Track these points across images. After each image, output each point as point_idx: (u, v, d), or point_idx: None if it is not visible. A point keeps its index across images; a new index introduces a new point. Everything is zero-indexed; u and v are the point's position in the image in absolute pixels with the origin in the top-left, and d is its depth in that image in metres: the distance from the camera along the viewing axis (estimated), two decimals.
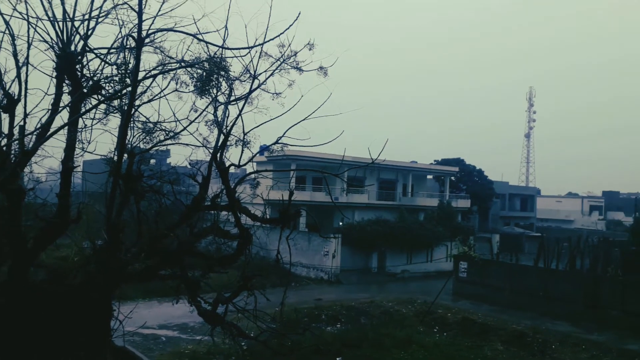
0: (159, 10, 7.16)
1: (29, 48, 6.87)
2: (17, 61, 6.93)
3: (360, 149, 8.84)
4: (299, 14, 7.53)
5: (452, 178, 60.87)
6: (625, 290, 25.99)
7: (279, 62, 8.52)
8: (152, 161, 10.67)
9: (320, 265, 37.76)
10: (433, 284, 33.24)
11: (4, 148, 6.92)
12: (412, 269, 42.06)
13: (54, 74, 7.15)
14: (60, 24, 6.90)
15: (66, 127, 7.00)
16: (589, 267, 29.99)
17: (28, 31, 6.86)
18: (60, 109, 7.12)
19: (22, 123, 6.85)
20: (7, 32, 6.89)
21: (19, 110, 6.94)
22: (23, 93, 6.94)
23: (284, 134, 8.62)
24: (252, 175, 10.07)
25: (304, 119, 8.47)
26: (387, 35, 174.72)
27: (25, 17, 6.76)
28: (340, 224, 42.59)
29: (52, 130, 7.10)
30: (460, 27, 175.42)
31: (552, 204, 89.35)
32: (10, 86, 7.08)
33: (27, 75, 6.97)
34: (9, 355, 7.13)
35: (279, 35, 7.80)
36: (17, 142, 6.79)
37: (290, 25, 7.69)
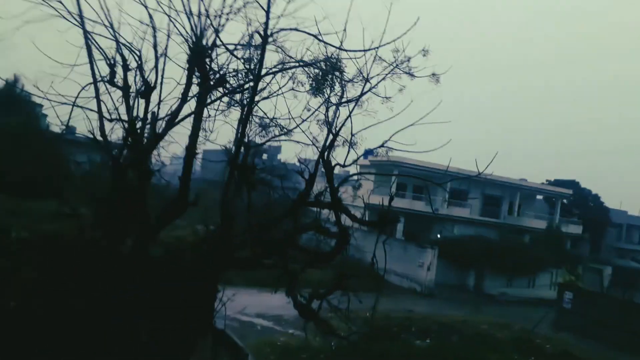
0: (284, 10, 7.58)
1: (167, 40, 7.55)
2: (156, 52, 7.64)
3: (467, 161, 8.69)
4: (417, 19, 7.60)
5: (564, 201, 57.30)
6: None
7: (391, 67, 8.63)
8: (265, 156, 11.21)
9: (414, 276, 37.19)
10: (533, 311, 31.48)
11: (139, 131, 7.66)
12: (512, 293, 40.15)
13: (187, 65, 7.79)
14: (196, 18, 7.52)
15: (192, 116, 7.60)
16: None
17: (168, 24, 7.52)
18: (189, 98, 7.75)
19: (155, 109, 7.56)
20: (150, 24, 7.61)
21: (154, 97, 7.66)
22: (159, 81, 7.64)
23: (390, 138, 8.70)
24: (355, 177, 10.25)
25: (411, 125, 8.49)
26: (520, 47, 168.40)
27: (167, 11, 7.40)
28: (439, 236, 41.70)
29: (180, 117, 7.77)
30: (606, 47, 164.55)
31: None
32: (149, 75, 7.80)
33: (164, 65, 7.68)
34: (130, 320, 7.81)
35: (394, 40, 7.92)
36: (149, 126, 7.48)
37: (407, 31, 7.79)
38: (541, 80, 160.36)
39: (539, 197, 57.86)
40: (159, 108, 7.66)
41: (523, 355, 22.95)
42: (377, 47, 8.09)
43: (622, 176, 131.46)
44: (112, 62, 7.76)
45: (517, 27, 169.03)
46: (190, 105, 7.91)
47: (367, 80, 8.63)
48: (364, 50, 8.11)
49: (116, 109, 7.78)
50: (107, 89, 7.84)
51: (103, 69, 7.84)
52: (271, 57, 8.27)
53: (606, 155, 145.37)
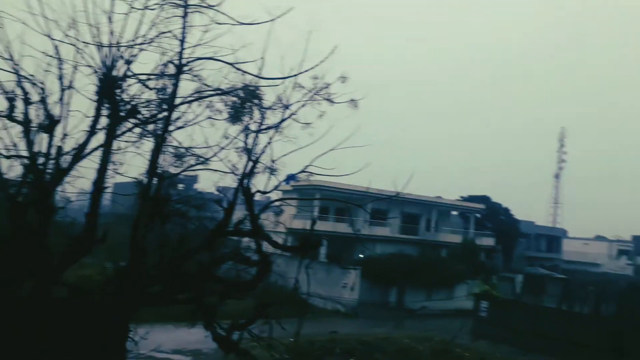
0: (200, 39, 7.41)
1: (74, 71, 7.13)
2: (61, 84, 7.19)
3: (385, 181, 8.86)
4: (334, 47, 7.69)
5: (478, 215, 60.14)
6: None
7: (311, 94, 8.66)
8: (181, 186, 10.84)
9: (338, 297, 37.38)
10: (452, 322, 32.52)
11: (41, 166, 7.12)
12: (432, 306, 41.32)
13: (95, 97, 7.38)
14: (106, 49, 7.16)
15: (101, 148, 7.18)
16: (615, 314, 29.07)
17: (75, 55, 7.13)
18: (97, 130, 7.33)
19: (60, 143, 7.06)
20: (55, 56, 7.16)
21: (59, 130, 7.18)
22: (64, 114, 7.18)
23: (311, 163, 8.69)
24: (277, 203, 10.13)
25: (331, 149, 8.57)
26: (420, 69, 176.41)
27: (74, 42, 7.03)
28: (361, 256, 42.30)
29: (87, 150, 7.32)
30: (493, 66, 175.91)
31: (579, 246, 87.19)
32: (53, 108, 7.33)
33: (70, 98, 7.23)
34: None
35: (312, 68, 7.96)
36: (54, 160, 6.98)
37: (325, 59, 7.87)
38: (452, 99, 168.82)
39: (454, 213, 60.35)
40: (63, 142, 7.17)
41: None
42: (296, 75, 8.10)
43: (528, 189, 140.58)
44: (12, 95, 7.23)
45: (431, 45, 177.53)
46: (99, 138, 7.50)
47: (286, 107, 8.61)
48: (283, 78, 8.10)
49: (14, 145, 7.23)
50: (4, 124, 7.30)
51: (1, 104, 7.32)
52: (187, 86, 8.06)
53: (514, 170, 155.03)
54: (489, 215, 63.53)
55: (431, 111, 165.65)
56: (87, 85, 7.40)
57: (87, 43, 7.06)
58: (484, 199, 62.90)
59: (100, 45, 7.07)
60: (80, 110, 7.30)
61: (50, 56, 7.20)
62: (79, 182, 7.98)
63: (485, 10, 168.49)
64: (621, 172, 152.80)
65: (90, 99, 7.38)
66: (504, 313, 31.87)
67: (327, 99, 8.86)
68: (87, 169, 7.60)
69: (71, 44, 7.07)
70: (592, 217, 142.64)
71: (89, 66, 7.24)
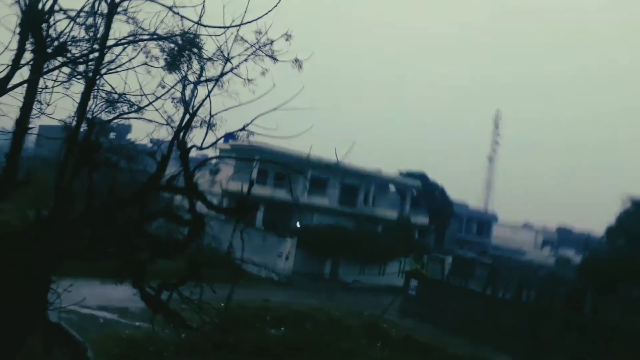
0: None
1: None
2: None
3: (327, 149, 8.77)
4: (279, 1, 7.44)
5: (414, 192, 61.43)
6: (566, 328, 26.65)
7: (254, 48, 8.39)
8: (112, 134, 10.35)
9: (272, 266, 37.49)
10: (383, 297, 33.40)
11: None
12: (364, 281, 42.22)
13: (17, 29, 6.82)
14: None
15: (25, 85, 6.68)
16: (534, 301, 30.70)
17: None
18: (21, 66, 6.80)
19: None
20: None
21: None
22: None
23: (252, 121, 8.45)
24: (214, 161, 9.88)
25: (273, 109, 8.34)
26: (369, 39, 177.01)
27: None
28: (298, 225, 42.43)
29: (9, 86, 6.79)
30: (439, 43, 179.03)
31: (508, 233, 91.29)
32: None
33: None
34: None
35: (256, 20, 7.68)
36: None
37: (269, 11, 7.59)
38: (401, 73, 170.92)
39: (392, 189, 61.40)
40: None
41: (371, 341, 24.24)
42: (239, 25, 7.78)
43: (465, 171, 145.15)
44: None
45: (385, 17, 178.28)
46: (23, 74, 6.95)
47: (227, 59, 8.31)
48: (225, 27, 7.76)
49: None
50: None
51: None
52: (121, 28, 7.59)
53: (452, 152, 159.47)
54: (425, 193, 65.02)
55: (377, 82, 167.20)
56: (8, 15, 6.80)
57: None
58: (421, 177, 64.20)
59: None
60: (1, 42, 6.72)
61: None
62: (0, 121, 7.44)
63: None
64: (552, 164, 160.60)
65: (13, 32, 6.81)
66: (432, 293, 32.91)
67: (271, 56, 8.62)
68: (10, 106, 7.06)
69: None
70: (523, 203, 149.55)
71: None
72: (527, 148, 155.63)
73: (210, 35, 7.84)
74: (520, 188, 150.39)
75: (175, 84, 8.32)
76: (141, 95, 8.17)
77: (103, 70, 7.56)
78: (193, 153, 8.81)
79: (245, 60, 8.34)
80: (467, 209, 78.36)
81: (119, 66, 7.80)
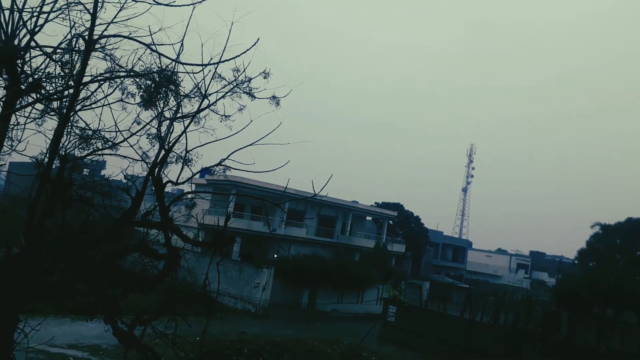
0: (115, 17, 7.01)
1: None
2: None
3: (304, 182, 8.82)
4: (257, 40, 7.55)
5: (391, 222, 61.87)
6: (543, 348, 26.86)
7: (231, 86, 8.46)
8: (86, 170, 10.23)
9: (249, 297, 36.97)
10: (361, 326, 33.14)
11: None
12: (342, 309, 41.92)
13: None
14: (7, 14, 6.58)
15: None
16: (511, 323, 30.87)
17: None
18: None
19: None
20: None
21: None
22: None
23: (228, 156, 8.46)
24: (190, 196, 9.82)
25: (250, 144, 8.39)
26: (347, 76, 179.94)
27: None
28: (275, 256, 42.13)
29: None
30: (408, 80, 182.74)
31: (482, 258, 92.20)
32: None
33: None
34: None
35: (234, 58, 7.76)
36: None
37: (248, 50, 7.69)
38: (374, 111, 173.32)
39: (369, 218, 61.75)
40: None
41: None
42: (217, 63, 7.84)
43: (438, 201, 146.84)
44: None
45: (358, 56, 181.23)
46: None
47: (205, 96, 8.34)
48: (203, 65, 7.81)
49: None
50: None
51: None
52: (97, 65, 7.61)
53: (426, 181, 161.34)
54: (401, 222, 65.66)
55: (352, 118, 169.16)
56: None
57: None
58: (397, 206, 64.96)
59: (0, 9, 6.49)
60: None
61: None
62: None
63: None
64: (525, 191, 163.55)
65: None
66: (410, 319, 32.90)
67: (248, 93, 8.71)
68: None
69: None
70: (496, 230, 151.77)
71: None
72: (499, 177, 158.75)
73: (188, 73, 7.89)
74: (492, 216, 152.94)
75: (151, 120, 8.31)
76: (116, 132, 8.14)
77: (78, 107, 7.52)
78: (169, 188, 8.77)
79: (223, 97, 8.40)
80: (442, 236, 79.01)
81: (94, 103, 7.78)
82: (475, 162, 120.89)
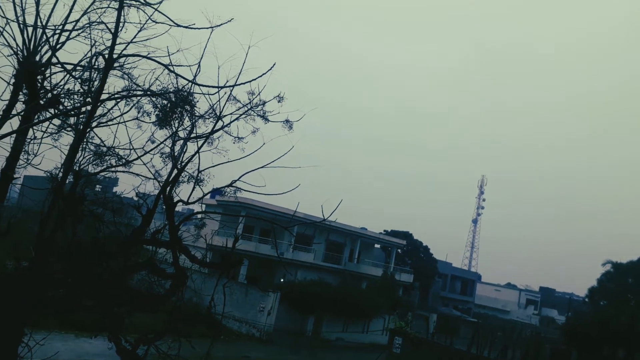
0: (134, 37, 7.15)
1: None
2: None
3: (313, 207, 8.83)
4: (274, 64, 7.65)
5: (399, 250, 61.36)
6: None
7: (246, 108, 8.55)
8: (99, 187, 10.32)
9: (253, 321, 36.64)
10: (366, 356, 32.69)
11: None
12: (347, 338, 41.35)
13: (12, 80, 6.91)
14: (30, 31, 6.75)
15: (13, 135, 6.72)
16: None
17: None
18: (11, 115, 6.85)
19: None
20: None
21: None
22: None
23: (240, 177, 8.52)
24: (200, 216, 9.84)
25: (261, 167, 8.43)
26: (357, 101, 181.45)
27: None
28: (282, 280, 41.85)
29: None
30: (420, 112, 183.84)
31: (491, 292, 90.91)
32: None
33: None
34: None
35: (250, 82, 7.86)
36: None
37: (263, 74, 7.79)
38: (385, 133, 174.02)
39: (377, 246, 61.31)
40: None
41: None
42: (233, 86, 7.95)
43: (448, 231, 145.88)
44: None
45: (372, 78, 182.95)
46: (12, 124, 6.99)
47: (219, 118, 8.44)
48: (219, 87, 7.92)
49: None
50: None
51: None
52: (115, 83, 7.74)
53: (436, 211, 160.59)
54: (410, 251, 65.10)
55: (362, 145, 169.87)
56: (3, 66, 6.92)
57: (9, 20, 6.62)
58: (405, 235, 64.48)
59: (24, 25, 6.65)
60: None
61: None
62: None
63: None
64: (535, 224, 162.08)
65: (7, 82, 6.90)
66: (416, 351, 32.32)
67: (262, 116, 8.79)
68: None
69: None
70: (505, 264, 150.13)
71: (9, 46, 6.78)
72: (509, 210, 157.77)
73: (204, 94, 7.99)
74: (502, 249, 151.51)
75: (165, 140, 8.41)
76: (130, 149, 8.23)
77: (94, 124, 7.64)
78: (179, 207, 8.81)
79: (237, 119, 8.49)
80: (451, 268, 78.19)
81: (110, 120, 7.90)
82: (486, 193, 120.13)
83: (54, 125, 7.70)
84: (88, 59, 7.27)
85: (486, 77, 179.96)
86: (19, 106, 7.06)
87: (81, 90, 7.49)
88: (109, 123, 7.95)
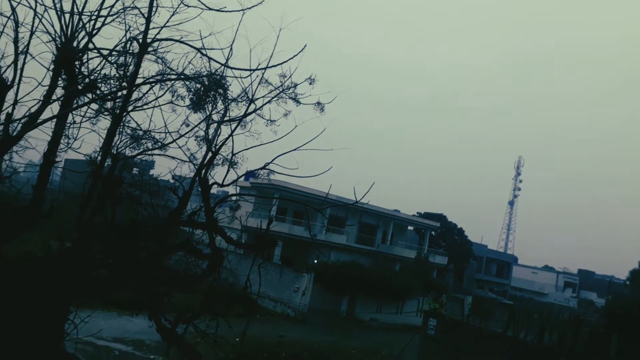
0: (167, 21, 7.23)
1: (30, 36, 6.83)
2: (16, 48, 6.88)
3: (345, 188, 8.84)
4: (305, 46, 7.62)
5: (433, 233, 60.91)
6: None
7: (277, 91, 8.57)
8: (136, 169, 10.56)
9: (288, 301, 37.12)
10: (400, 337, 32.72)
11: None
12: (381, 319, 41.46)
13: (52, 66, 7.09)
14: (67, 17, 6.89)
15: (54, 120, 6.91)
16: (557, 343, 29.76)
17: (33, 20, 6.83)
18: (52, 101, 7.04)
19: (10, 109, 6.75)
20: (12, 17, 6.84)
21: (10, 96, 6.85)
22: (17, 80, 6.85)
23: (273, 160, 8.58)
24: (234, 198, 9.98)
25: (294, 149, 8.46)
26: (388, 81, 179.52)
27: (32, 5, 6.73)
28: (316, 261, 42.15)
29: (39, 120, 7.03)
30: (454, 90, 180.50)
31: (528, 274, 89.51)
32: (4, 71, 6.99)
33: (24, 63, 6.92)
34: None
35: (281, 64, 7.86)
36: (2, 127, 6.67)
37: (295, 56, 7.77)
38: (420, 119, 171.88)
39: (410, 228, 60.98)
40: (13, 108, 6.84)
41: None
42: (265, 69, 7.97)
43: (483, 213, 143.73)
44: None
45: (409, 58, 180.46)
46: (53, 109, 7.19)
47: (252, 101, 8.49)
48: (250, 70, 7.95)
49: None
50: None
51: None
52: (150, 67, 7.86)
53: (470, 193, 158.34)
54: (444, 233, 64.50)
55: (396, 125, 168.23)
56: (44, 53, 7.11)
57: (47, 7, 6.77)
58: (439, 217, 63.86)
59: (61, 12, 6.80)
60: (34, 78, 6.99)
61: (6, 17, 6.88)
62: (27, 153, 7.68)
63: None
64: (574, 206, 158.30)
65: (47, 68, 7.09)
66: (452, 333, 32.11)
67: (294, 99, 8.80)
68: (38, 140, 7.30)
69: (29, 7, 6.75)
70: (543, 246, 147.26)
71: (48, 33, 6.95)
72: (547, 190, 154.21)
73: (236, 77, 8.05)
74: (539, 231, 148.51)
75: (199, 123, 8.53)
76: (165, 133, 8.38)
77: (130, 108, 7.79)
78: (214, 189, 8.94)
79: (269, 102, 8.52)
80: (487, 250, 77.19)
81: (146, 104, 8.05)
82: (523, 174, 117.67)
83: (92, 109, 7.91)
84: (123, 44, 7.40)
85: (523, 64, 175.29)
86: (59, 92, 7.24)
87: (117, 75, 7.64)
88: (145, 107, 8.10)
